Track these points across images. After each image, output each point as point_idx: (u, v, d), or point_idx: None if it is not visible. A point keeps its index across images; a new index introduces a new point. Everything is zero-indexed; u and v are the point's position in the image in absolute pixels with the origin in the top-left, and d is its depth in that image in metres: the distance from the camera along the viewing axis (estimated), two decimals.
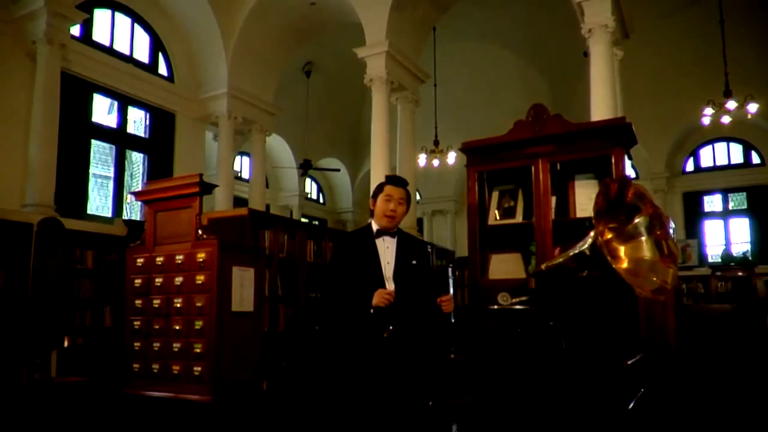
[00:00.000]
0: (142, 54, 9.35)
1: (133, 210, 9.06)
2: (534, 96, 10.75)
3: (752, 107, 9.59)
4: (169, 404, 3.48)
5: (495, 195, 3.50)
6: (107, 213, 8.63)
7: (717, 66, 9.65)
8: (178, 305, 3.57)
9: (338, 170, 14.74)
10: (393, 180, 2.81)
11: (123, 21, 9.04)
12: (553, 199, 3.22)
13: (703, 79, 11.31)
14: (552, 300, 2.74)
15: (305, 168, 12.87)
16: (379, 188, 2.80)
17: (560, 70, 12.63)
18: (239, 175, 12.98)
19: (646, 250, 2.36)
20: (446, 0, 9.60)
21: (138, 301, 3.74)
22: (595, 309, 2.83)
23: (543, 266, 2.75)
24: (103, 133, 8.66)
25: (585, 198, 3.16)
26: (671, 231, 2.49)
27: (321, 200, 16.75)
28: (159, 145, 9.55)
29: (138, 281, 3.77)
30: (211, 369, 3.40)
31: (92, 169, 8.49)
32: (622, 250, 2.36)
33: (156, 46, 9.57)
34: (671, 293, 2.87)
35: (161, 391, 3.54)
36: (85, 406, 4.94)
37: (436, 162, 11.58)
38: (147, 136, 9.44)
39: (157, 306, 3.65)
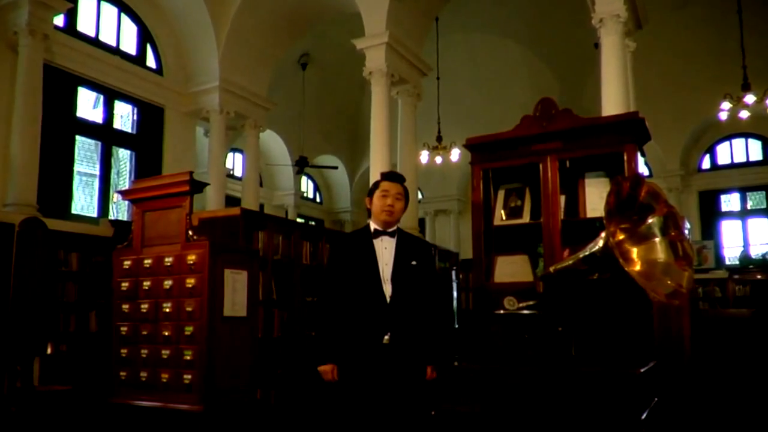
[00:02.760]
0: (130, 45, 9.35)
1: (119, 210, 9.06)
2: (542, 90, 10.76)
3: None
4: (157, 414, 3.48)
5: (501, 194, 3.50)
6: (93, 213, 8.63)
7: (735, 58, 9.65)
8: (167, 310, 3.57)
9: (336, 168, 14.75)
10: (388, 176, 2.92)
11: (109, 11, 9.04)
12: (562, 198, 3.22)
13: (720, 72, 11.31)
14: (561, 304, 2.74)
15: (301, 165, 12.87)
16: (375, 185, 2.90)
17: (569, 63, 12.63)
18: (231, 173, 12.98)
19: (660, 252, 2.36)
20: None
21: (125, 306, 3.74)
22: (607, 314, 2.83)
23: (551, 269, 2.75)
24: (88, 128, 8.66)
25: (596, 197, 3.16)
26: (686, 232, 2.49)
27: (318, 199, 16.76)
28: (147, 142, 9.56)
29: (125, 284, 3.77)
30: (202, 377, 3.40)
31: (77, 167, 8.49)
32: (634, 251, 2.36)
33: (144, 37, 9.58)
34: (686, 297, 2.86)
35: (149, 401, 3.54)
36: (70, 415, 4.95)
37: (438, 159, 11.58)
38: (134, 132, 9.44)
39: (145, 311, 3.65)
